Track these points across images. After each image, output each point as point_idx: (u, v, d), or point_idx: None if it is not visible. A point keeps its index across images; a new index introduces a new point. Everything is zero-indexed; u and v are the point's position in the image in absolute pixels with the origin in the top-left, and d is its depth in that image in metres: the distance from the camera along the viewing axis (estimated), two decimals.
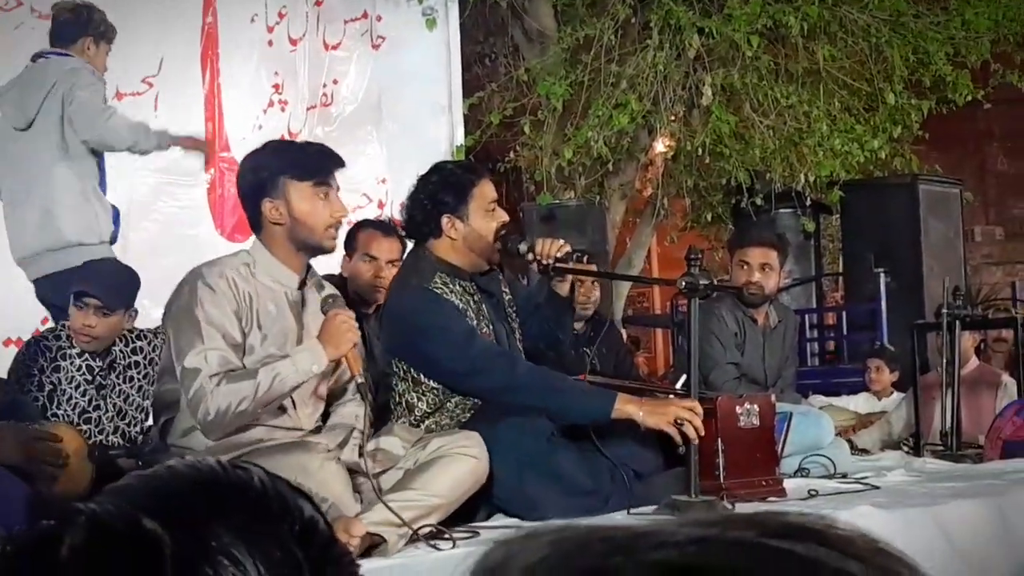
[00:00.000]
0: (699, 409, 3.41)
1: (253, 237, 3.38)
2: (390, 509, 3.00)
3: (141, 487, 0.76)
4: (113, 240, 5.07)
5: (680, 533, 0.56)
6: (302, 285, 3.36)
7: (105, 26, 5.18)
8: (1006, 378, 5.81)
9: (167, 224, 6.18)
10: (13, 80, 5.10)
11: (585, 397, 3.58)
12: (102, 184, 5.05)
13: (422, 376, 3.60)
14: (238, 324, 3.19)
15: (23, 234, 4.98)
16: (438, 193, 3.69)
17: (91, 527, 0.72)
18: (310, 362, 3.14)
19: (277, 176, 3.26)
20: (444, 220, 3.65)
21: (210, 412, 3.08)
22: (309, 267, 3.40)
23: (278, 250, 3.29)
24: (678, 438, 3.38)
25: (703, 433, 3.40)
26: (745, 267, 4.92)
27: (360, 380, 3.22)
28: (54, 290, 4.77)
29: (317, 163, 3.31)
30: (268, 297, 3.27)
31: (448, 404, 3.60)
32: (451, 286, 3.61)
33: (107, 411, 4.34)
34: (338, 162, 3.35)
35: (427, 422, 3.58)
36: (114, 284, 4.33)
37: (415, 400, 3.59)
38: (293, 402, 3.28)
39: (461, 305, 3.60)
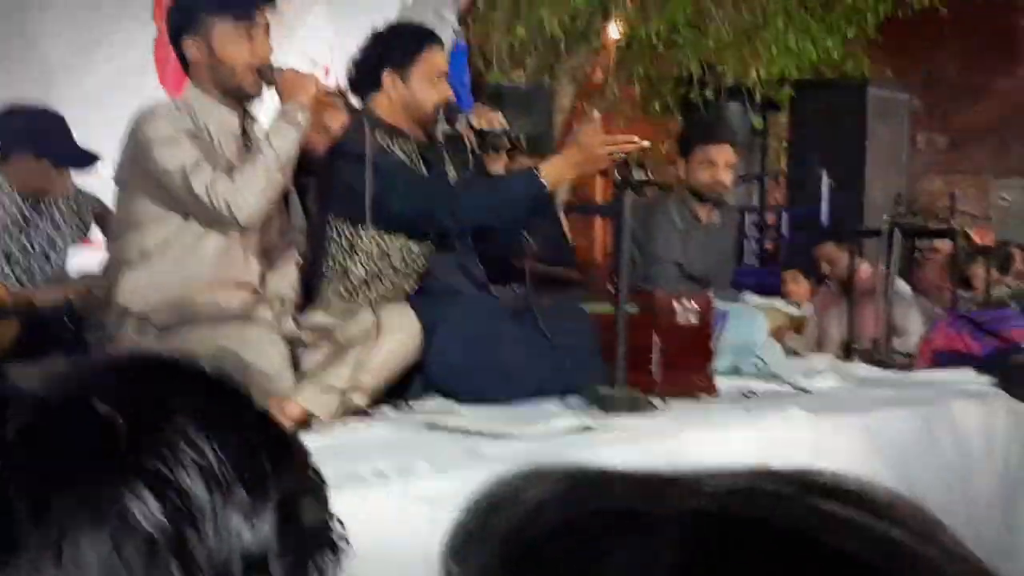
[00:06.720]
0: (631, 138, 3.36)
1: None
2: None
3: (90, 371, 0.74)
4: None
5: (709, 483, 0.53)
6: (243, 126, 3.25)
7: None
8: (900, 284, 5.81)
9: (113, 74, 5.97)
10: None
11: (516, 185, 3.50)
12: None
13: (358, 238, 3.46)
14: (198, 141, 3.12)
15: None
16: (385, 46, 3.58)
17: (37, 410, 0.68)
18: (295, 110, 3.12)
19: (197, 12, 3.16)
20: (385, 74, 3.53)
21: (240, 208, 3.03)
22: (246, 110, 3.30)
23: (211, 90, 3.20)
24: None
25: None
26: (710, 166, 4.77)
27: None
28: None
29: None
30: (217, 136, 3.18)
31: (387, 272, 3.48)
32: (391, 146, 3.51)
33: (35, 254, 4.24)
34: None
35: (363, 291, 3.45)
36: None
37: (350, 265, 3.47)
38: (244, 252, 3.20)
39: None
